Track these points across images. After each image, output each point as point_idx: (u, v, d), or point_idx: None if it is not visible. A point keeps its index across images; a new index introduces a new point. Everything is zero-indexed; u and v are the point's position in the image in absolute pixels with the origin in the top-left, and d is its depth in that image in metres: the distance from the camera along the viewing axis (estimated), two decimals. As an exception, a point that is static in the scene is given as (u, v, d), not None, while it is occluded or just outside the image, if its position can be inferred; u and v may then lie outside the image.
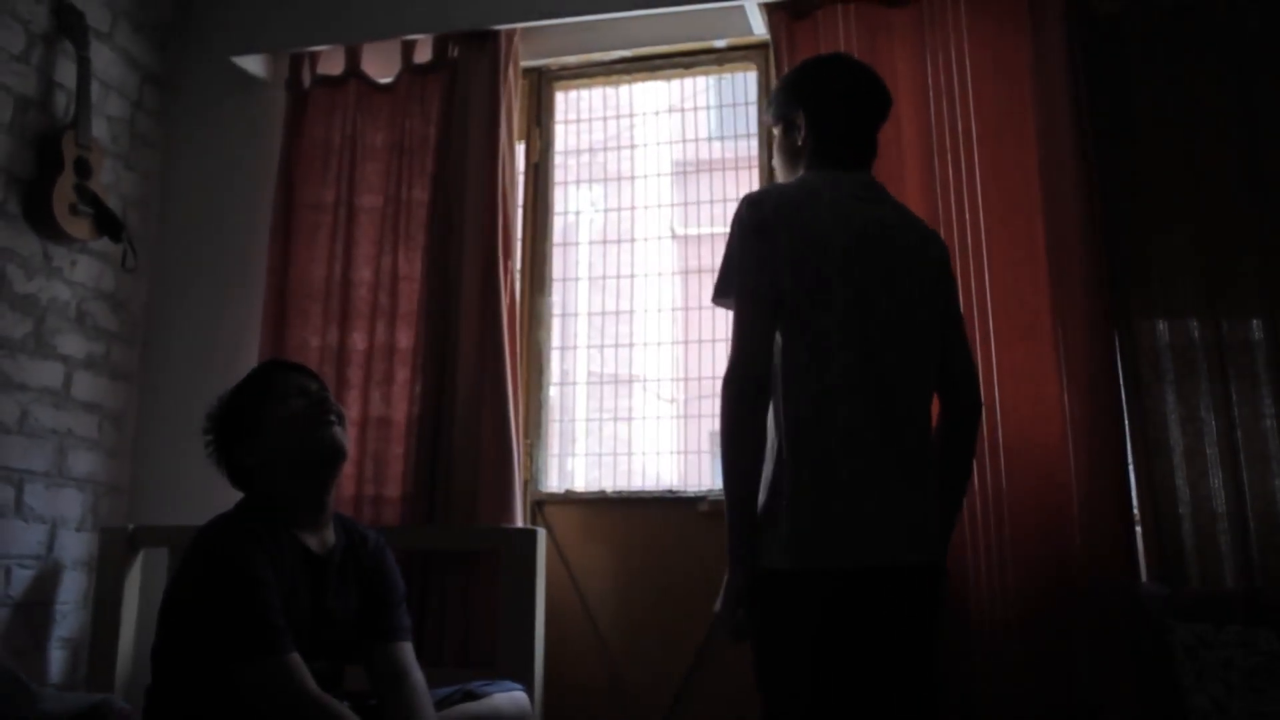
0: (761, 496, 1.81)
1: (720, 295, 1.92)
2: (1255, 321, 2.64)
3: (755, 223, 1.86)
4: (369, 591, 2.12)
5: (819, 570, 1.74)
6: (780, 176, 2.09)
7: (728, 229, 1.93)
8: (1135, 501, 2.60)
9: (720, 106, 3.51)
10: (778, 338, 1.82)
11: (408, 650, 2.11)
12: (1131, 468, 2.61)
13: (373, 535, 2.21)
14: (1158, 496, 2.61)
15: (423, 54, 3.35)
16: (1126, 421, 2.63)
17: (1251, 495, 2.55)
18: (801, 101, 2.02)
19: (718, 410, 1.81)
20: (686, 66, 3.36)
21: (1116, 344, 2.67)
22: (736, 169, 3.29)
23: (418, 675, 2.07)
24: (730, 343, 1.83)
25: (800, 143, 2.01)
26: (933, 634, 1.86)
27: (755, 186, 3.14)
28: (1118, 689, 2.43)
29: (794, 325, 1.81)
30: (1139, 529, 2.59)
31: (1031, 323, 2.74)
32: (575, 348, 3.41)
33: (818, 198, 1.89)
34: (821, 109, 2.00)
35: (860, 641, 1.77)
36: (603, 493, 3.14)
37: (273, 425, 2.05)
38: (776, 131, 2.09)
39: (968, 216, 2.83)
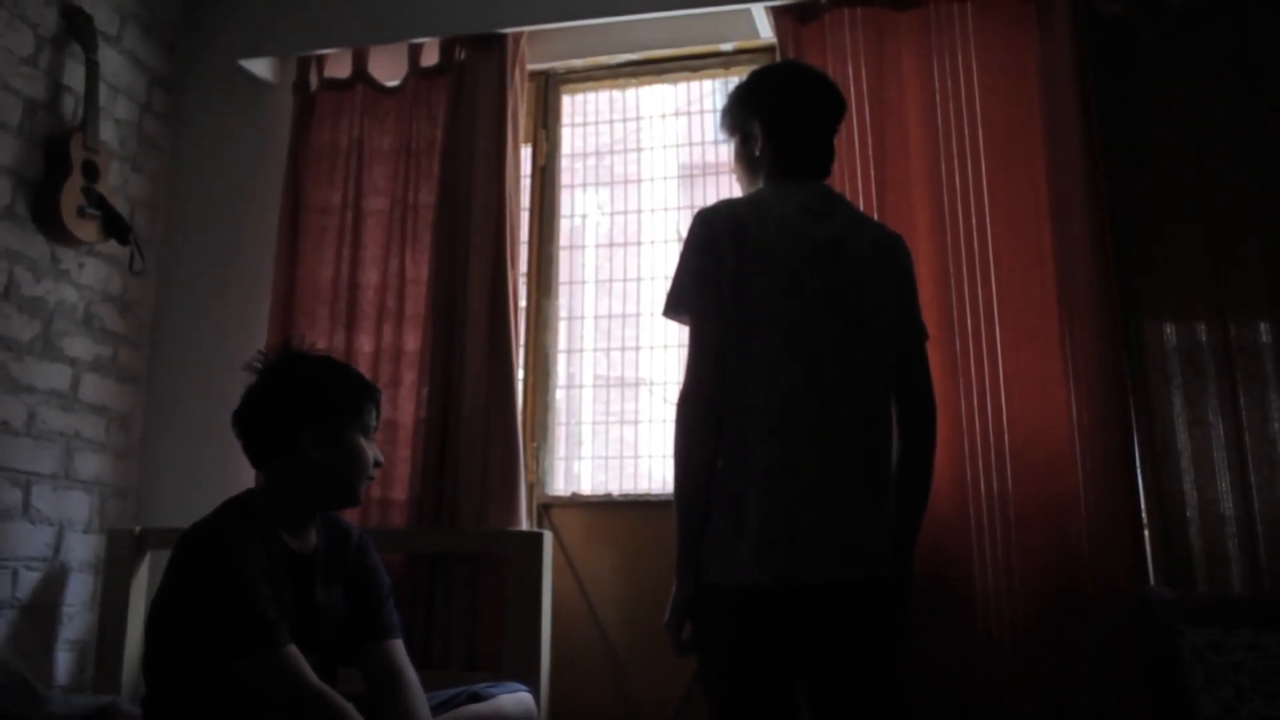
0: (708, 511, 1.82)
1: (671, 310, 1.91)
2: (1263, 325, 2.64)
3: (705, 239, 1.87)
4: (355, 589, 2.12)
5: (759, 586, 1.74)
6: (740, 187, 2.10)
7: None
8: (1143, 505, 2.59)
9: (727, 110, 3.51)
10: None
11: (399, 647, 2.10)
12: (1139, 471, 2.60)
13: (355, 531, 2.20)
14: (1165, 500, 2.61)
15: (429, 57, 3.35)
16: (1134, 425, 2.62)
17: (1260, 499, 2.54)
18: (757, 111, 2.02)
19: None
20: (693, 70, 3.37)
21: (1124, 347, 2.66)
22: (743, 172, 3.29)
23: (411, 672, 2.06)
24: (685, 361, 1.85)
25: (758, 153, 2.01)
26: (886, 649, 1.84)
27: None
28: (1126, 693, 2.43)
29: (741, 343, 1.82)
30: (1147, 533, 2.58)
31: (1038, 326, 2.74)
32: (581, 351, 3.41)
33: (768, 212, 1.89)
34: (777, 118, 2.00)
35: (803, 657, 1.77)
36: (609, 496, 3.14)
37: (344, 446, 2.04)
38: (734, 143, 2.09)
39: (974, 219, 2.83)
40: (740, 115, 2.05)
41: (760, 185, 2.01)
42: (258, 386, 2.07)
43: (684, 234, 1.94)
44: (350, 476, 2.04)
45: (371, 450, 2.09)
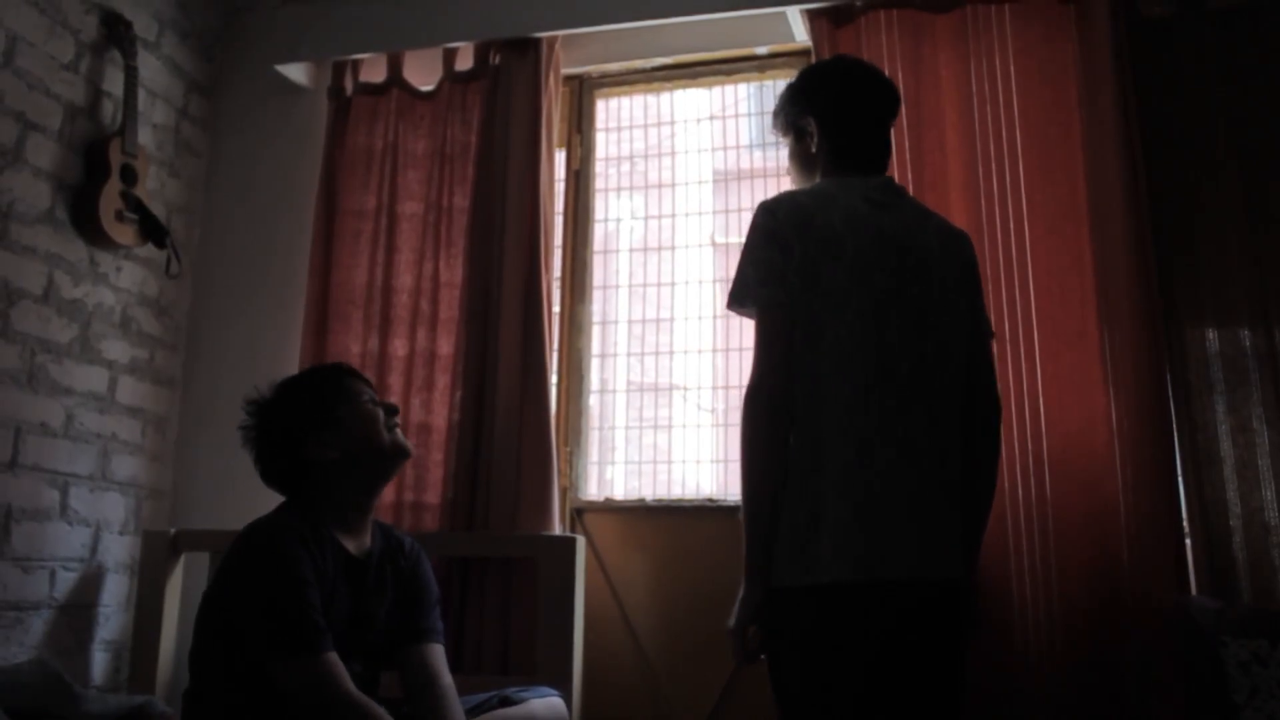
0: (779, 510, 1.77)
1: (736, 303, 1.89)
2: (1309, 331, 2.58)
3: (770, 230, 1.84)
4: (405, 595, 2.14)
5: (839, 585, 1.70)
6: (795, 185, 2.07)
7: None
8: (1185, 514, 2.54)
9: (761, 114, 3.50)
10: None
11: (439, 652, 2.12)
12: (1181, 480, 2.55)
13: (409, 541, 2.23)
14: (1208, 509, 2.55)
15: (464, 62, 3.36)
16: (1176, 432, 2.58)
17: (1306, 508, 2.49)
18: (811, 107, 2.00)
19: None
20: (728, 74, 3.35)
21: (1166, 353, 2.61)
22: (778, 177, 3.27)
23: (448, 678, 2.08)
24: (753, 354, 1.81)
25: (813, 149, 1.99)
26: (956, 650, 1.82)
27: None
28: (1168, 708, 2.38)
29: (810, 335, 1.78)
30: (1189, 542, 2.54)
31: (1078, 331, 2.70)
32: (615, 355, 3.40)
33: (832, 203, 1.86)
34: (832, 113, 1.98)
35: (877, 657, 1.72)
36: (642, 501, 3.13)
37: (350, 423, 2.09)
38: (788, 141, 2.07)
39: (1012, 223, 2.79)
40: (793, 113, 2.03)
41: (817, 181, 1.98)
42: (253, 444, 2.14)
43: (718, 239, 1.93)
44: (372, 441, 2.10)
45: (376, 408, 2.14)
